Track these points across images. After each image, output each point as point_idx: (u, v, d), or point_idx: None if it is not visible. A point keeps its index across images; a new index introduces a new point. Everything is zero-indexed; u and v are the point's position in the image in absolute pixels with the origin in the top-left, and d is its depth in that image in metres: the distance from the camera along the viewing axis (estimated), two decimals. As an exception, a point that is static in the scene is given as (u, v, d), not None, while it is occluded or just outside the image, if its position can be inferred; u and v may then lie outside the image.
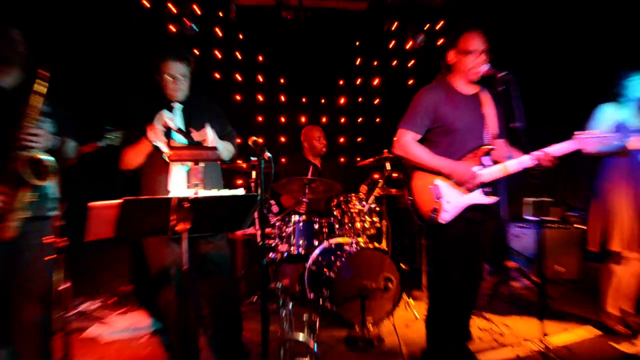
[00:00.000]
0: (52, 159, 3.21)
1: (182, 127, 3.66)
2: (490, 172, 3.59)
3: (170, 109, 3.65)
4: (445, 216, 3.53)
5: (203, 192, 2.97)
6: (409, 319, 5.11)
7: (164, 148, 3.48)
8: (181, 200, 2.82)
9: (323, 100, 7.22)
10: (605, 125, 4.35)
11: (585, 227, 6.26)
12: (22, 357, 3.55)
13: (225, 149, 3.78)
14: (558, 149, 3.55)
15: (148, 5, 6.13)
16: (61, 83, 3.45)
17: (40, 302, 3.50)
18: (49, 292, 3.53)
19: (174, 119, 3.59)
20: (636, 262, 4.51)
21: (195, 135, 3.58)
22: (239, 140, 4.03)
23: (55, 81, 3.28)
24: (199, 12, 6.28)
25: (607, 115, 4.40)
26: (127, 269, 6.04)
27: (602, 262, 4.65)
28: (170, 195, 2.83)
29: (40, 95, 3.24)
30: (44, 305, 3.52)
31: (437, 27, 7.29)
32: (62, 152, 3.28)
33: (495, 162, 3.66)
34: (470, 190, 3.55)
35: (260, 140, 3.23)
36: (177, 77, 3.63)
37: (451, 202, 3.54)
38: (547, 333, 3.42)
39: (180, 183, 3.55)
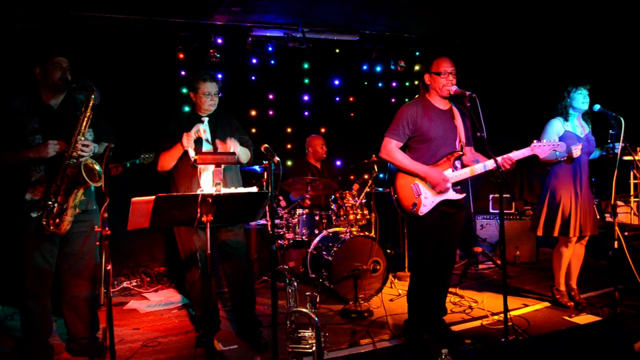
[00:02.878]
0: (98, 165, 3.24)
1: (209, 137, 3.73)
2: (461, 173, 3.61)
3: (201, 122, 3.73)
4: (423, 209, 3.54)
5: (224, 190, 2.97)
6: (393, 295, 5.10)
7: (191, 152, 3.56)
8: (205, 196, 2.82)
9: (323, 113, 7.24)
10: (555, 136, 4.36)
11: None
12: (73, 326, 3.57)
13: (244, 154, 3.82)
14: (517, 154, 3.57)
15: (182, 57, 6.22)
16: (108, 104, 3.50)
17: (87, 280, 3.52)
18: (95, 272, 3.54)
19: (206, 130, 3.70)
20: (578, 245, 4.52)
21: (221, 147, 3.64)
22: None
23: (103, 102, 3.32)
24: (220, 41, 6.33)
25: (556, 128, 4.41)
26: (160, 253, 6.04)
27: (552, 247, 4.65)
28: (196, 193, 2.83)
29: (89, 114, 3.27)
30: (91, 283, 3.54)
31: (415, 55, 7.36)
32: (102, 155, 3.32)
33: (465, 166, 3.68)
34: (440, 192, 3.56)
35: (270, 147, 3.25)
36: (212, 94, 3.74)
37: (428, 197, 3.55)
38: (508, 307, 3.42)
39: (207, 182, 3.63)
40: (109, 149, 3.04)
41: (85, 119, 3.26)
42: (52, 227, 3.21)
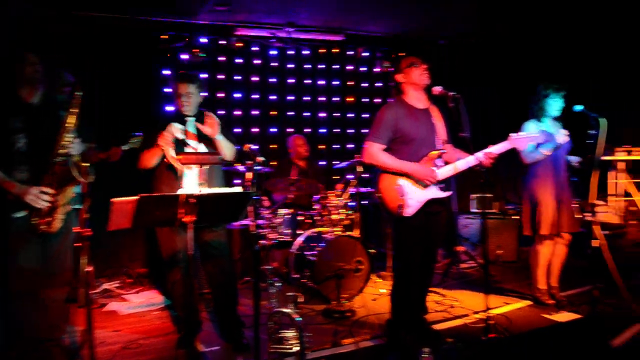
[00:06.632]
0: (86, 163, 3.20)
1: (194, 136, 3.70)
2: (444, 171, 3.62)
3: (184, 123, 3.70)
4: (409, 210, 3.54)
5: (207, 190, 2.96)
6: (376, 295, 5.11)
7: (172, 153, 3.52)
8: (188, 196, 2.81)
9: (308, 114, 7.24)
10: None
11: (519, 217, 6.34)
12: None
13: (228, 147, 3.79)
14: (496, 148, 3.59)
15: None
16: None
17: (61, 282, 3.46)
18: (75, 273, 3.50)
19: (182, 130, 3.66)
20: (560, 245, 4.57)
21: (205, 129, 3.61)
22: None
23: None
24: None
25: (530, 129, 4.46)
26: (142, 254, 5.99)
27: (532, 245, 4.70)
28: (178, 193, 2.82)
29: (75, 110, 3.22)
30: (66, 285, 3.48)
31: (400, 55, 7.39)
32: (86, 155, 3.27)
33: (447, 163, 3.69)
34: (428, 185, 3.58)
35: (255, 147, 3.25)
36: (185, 95, 3.68)
37: (413, 198, 3.55)
38: (490, 305, 3.46)
39: (190, 182, 3.59)
40: (91, 149, 3.02)
41: (72, 116, 3.22)
42: (43, 227, 3.17)
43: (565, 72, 6.50)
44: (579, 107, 4.35)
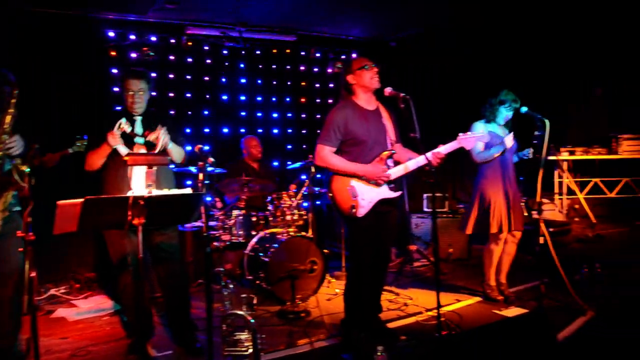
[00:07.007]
0: (27, 167, 3.08)
1: (142, 136, 3.61)
2: (395, 171, 3.66)
3: (133, 122, 3.61)
4: (361, 211, 3.57)
5: (156, 192, 2.90)
6: (331, 295, 5.12)
7: (122, 150, 3.46)
8: (137, 198, 2.75)
9: (260, 114, 7.21)
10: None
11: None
12: None
13: (177, 152, 3.73)
14: (445, 148, 3.65)
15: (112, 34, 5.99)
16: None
17: (8, 286, 3.32)
18: (20, 278, 3.36)
19: (131, 126, 3.56)
20: (510, 243, 4.70)
21: (151, 136, 3.53)
22: (189, 148, 3.99)
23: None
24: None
25: (479, 129, 4.57)
26: (90, 258, 5.80)
27: (483, 244, 4.81)
28: (127, 195, 2.75)
29: (12, 111, 3.09)
30: (12, 289, 3.34)
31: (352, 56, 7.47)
32: (27, 157, 3.15)
33: (397, 163, 3.74)
34: (380, 185, 3.61)
35: (206, 148, 3.20)
36: (136, 92, 3.60)
37: (365, 199, 3.58)
38: (442, 302, 3.52)
39: (139, 183, 3.51)
40: (32, 151, 2.90)
41: (8, 116, 3.08)
42: None
43: (509, 74, 6.71)
44: (524, 109, 4.49)
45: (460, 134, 3.73)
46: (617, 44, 6.83)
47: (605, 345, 3.66)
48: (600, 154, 7.01)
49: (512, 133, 4.48)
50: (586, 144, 7.06)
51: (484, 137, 3.91)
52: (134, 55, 6.15)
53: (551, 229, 5.66)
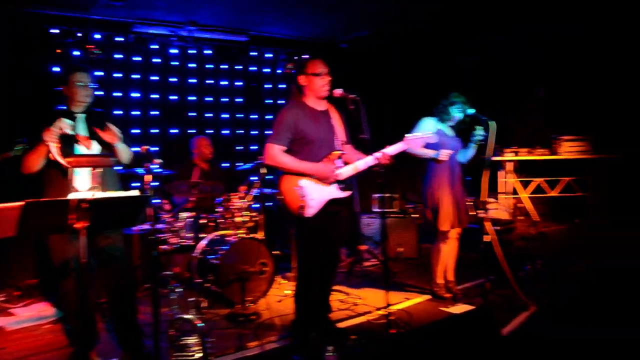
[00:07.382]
0: None
1: (85, 134, 3.49)
2: (345, 171, 3.69)
3: (74, 120, 3.49)
4: (310, 211, 3.57)
5: (100, 194, 2.82)
6: (281, 296, 5.12)
7: (55, 150, 3.29)
8: (80, 201, 2.67)
9: (210, 114, 7.13)
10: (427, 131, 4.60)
11: (418, 216, 6.62)
12: None
13: (126, 153, 3.65)
14: (392, 149, 3.69)
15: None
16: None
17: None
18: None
19: (71, 126, 3.43)
20: (454, 240, 4.81)
21: (105, 136, 3.44)
22: (135, 149, 3.90)
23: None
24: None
25: (428, 125, 4.67)
26: (31, 263, 5.58)
27: (432, 242, 4.91)
28: (69, 197, 2.66)
29: None
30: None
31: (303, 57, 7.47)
32: None
33: (346, 163, 3.77)
34: (330, 183, 3.63)
35: (153, 149, 3.14)
36: (86, 84, 3.50)
37: (314, 198, 3.58)
38: (391, 301, 3.57)
39: (82, 185, 3.38)
40: None
41: None
42: None
43: (456, 76, 6.87)
44: (471, 111, 4.61)
45: (407, 135, 3.79)
46: (559, 47, 7.11)
47: (545, 340, 3.81)
48: (543, 154, 7.25)
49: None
50: (530, 145, 7.29)
51: (430, 137, 3.99)
52: (77, 53, 5.94)
53: (496, 227, 5.82)
